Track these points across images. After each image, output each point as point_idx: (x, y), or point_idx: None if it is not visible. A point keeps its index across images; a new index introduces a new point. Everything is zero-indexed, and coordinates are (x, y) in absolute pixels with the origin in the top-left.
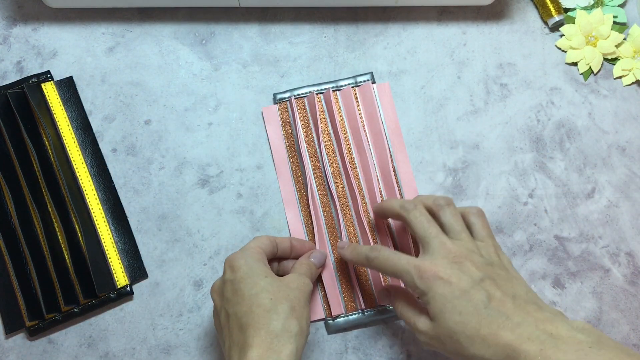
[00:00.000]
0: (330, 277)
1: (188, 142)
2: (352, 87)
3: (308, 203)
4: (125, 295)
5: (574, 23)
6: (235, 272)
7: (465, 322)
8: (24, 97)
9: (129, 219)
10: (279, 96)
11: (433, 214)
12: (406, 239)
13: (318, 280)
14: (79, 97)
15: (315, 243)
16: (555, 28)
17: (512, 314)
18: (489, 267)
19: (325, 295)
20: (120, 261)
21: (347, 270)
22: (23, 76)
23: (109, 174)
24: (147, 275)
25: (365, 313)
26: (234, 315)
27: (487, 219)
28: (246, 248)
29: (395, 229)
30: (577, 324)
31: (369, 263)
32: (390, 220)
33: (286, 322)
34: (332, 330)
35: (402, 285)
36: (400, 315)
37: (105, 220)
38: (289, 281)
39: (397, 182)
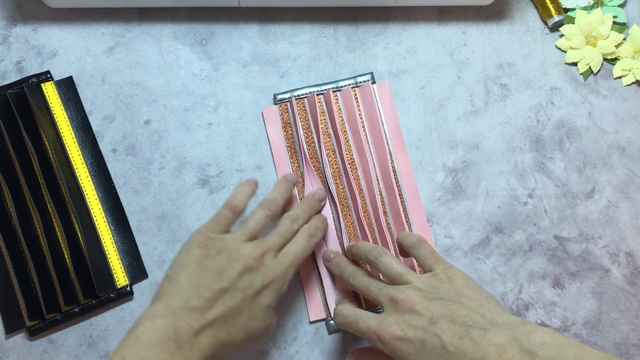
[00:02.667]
0: (329, 278)
1: (188, 142)
2: (352, 87)
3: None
4: (125, 295)
5: (573, 23)
6: (269, 299)
7: None
8: (24, 97)
9: (129, 219)
10: (279, 97)
11: (372, 266)
12: None
13: (318, 281)
14: (79, 97)
15: None
16: (555, 28)
17: (473, 349)
18: (437, 302)
19: (326, 296)
20: (120, 261)
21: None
22: (23, 76)
23: (109, 174)
24: (147, 275)
25: None
26: (226, 313)
27: (427, 244)
28: (293, 271)
29: (395, 229)
30: (537, 338)
31: (351, 288)
32: (390, 220)
33: (220, 354)
34: (332, 330)
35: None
36: None
37: (105, 220)
38: (266, 334)
39: (397, 182)
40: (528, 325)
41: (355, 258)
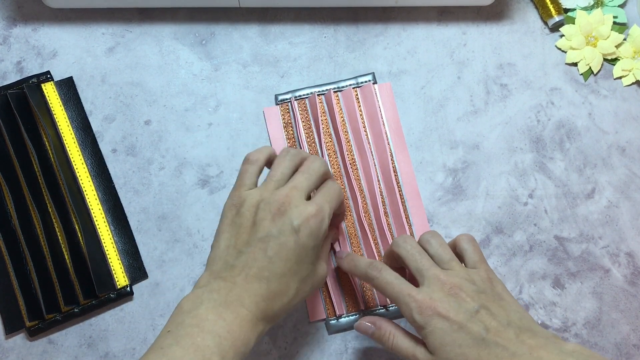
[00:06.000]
0: (331, 277)
1: (188, 142)
2: (354, 87)
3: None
4: (125, 295)
5: (574, 23)
6: (307, 236)
7: (465, 354)
8: (24, 97)
9: (129, 219)
10: (280, 97)
11: (422, 248)
12: None
13: None
14: (79, 97)
15: None
16: (555, 28)
17: (508, 344)
18: (482, 295)
19: (326, 296)
20: (120, 261)
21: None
22: (23, 76)
23: (109, 174)
24: (147, 276)
25: (366, 313)
26: (266, 255)
27: (477, 244)
28: (329, 213)
29: (395, 230)
30: (569, 347)
31: (367, 280)
32: (391, 220)
33: (281, 313)
34: (332, 330)
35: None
36: (393, 347)
37: (105, 220)
38: (318, 276)
39: (397, 182)
40: (559, 338)
41: (351, 271)
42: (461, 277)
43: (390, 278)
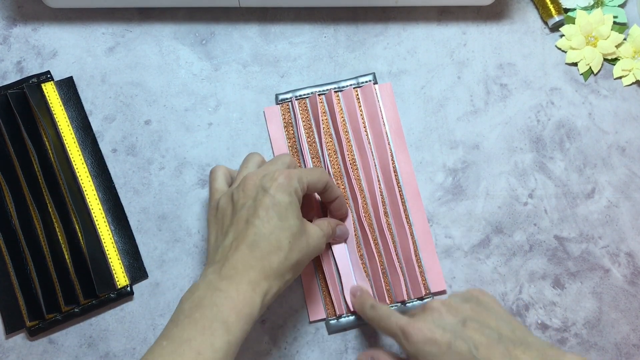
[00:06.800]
0: (331, 277)
1: (188, 142)
2: (354, 87)
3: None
4: (125, 295)
5: (574, 23)
6: (278, 190)
7: None
8: (24, 97)
9: (129, 219)
10: (280, 97)
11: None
12: (406, 240)
13: (319, 281)
14: (79, 97)
15: None
16: (555, 28)
17: None
18: (467, 305)
19: (326, 296)
20: (120, 261)
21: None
22: (23, 76)
23: (109, 174)
24: (147, 276)
25: None
26: (248, 222)
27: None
28: (300, 177)
29: (396, 230)
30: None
31: (368, 319)
32: (391, 220)
33: (284, 270)
34: (332, 330)
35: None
36: None
37: (106, 220)
38: (311, 235)
39: (398, 182)
40: (556, 349)
41: (358, 311)
42: (448, 298)
43: (385, 312)
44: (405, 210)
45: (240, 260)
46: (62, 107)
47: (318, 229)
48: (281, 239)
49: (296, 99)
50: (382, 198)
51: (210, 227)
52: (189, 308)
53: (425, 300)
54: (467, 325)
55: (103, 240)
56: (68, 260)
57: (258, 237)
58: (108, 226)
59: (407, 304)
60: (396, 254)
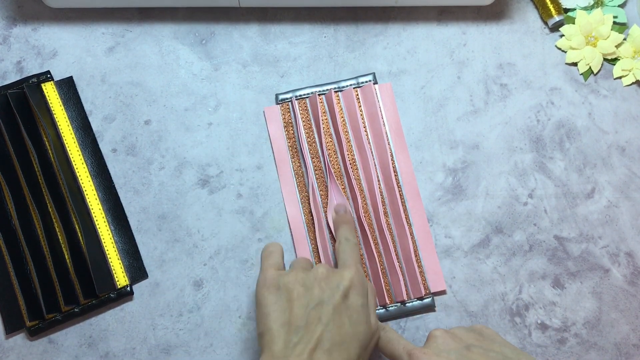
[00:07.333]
0: None
1: (188, 142)
2: (354, 87)
3: (309, 203)
4: (125, 295)
5: (574, 23)
6: (352, 292)
7: None
8: (24, 97)
9: (129, 219)
10: (280, 97)
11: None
12: (406, 240)
13: None
14: (79, 97)
15: (316, 243)
16: (555, 28)
17: None
18: (471, 335)
19: None
20: (120, 261)
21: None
22: (23, 76)
23: (109, 174)
24: (147, 275)
25: None
26: (324, 332)
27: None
28: (359, 272)
29: (395, 230)
30: None
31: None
32: (391, 220)
33: None
34: None
35: None
36: None
37: (105, 220)
38: (375, 337)
39: (397, 182)
40: None
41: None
42: (447, 329)
43: (392, 336)
44: (405, 210)
45: None
46: (62, 107)
47: (376, 321)
48: (350, 349)
49: (296, 99)
50: (382, 198)
51: (269, 310)
52: None
53: (425, 301)
54: (471, 350)
55: (103, 240)
56: (68, 260)
57: (332, 346)
58: (108, 226)
59: (407, 304)
60: (396, 254)
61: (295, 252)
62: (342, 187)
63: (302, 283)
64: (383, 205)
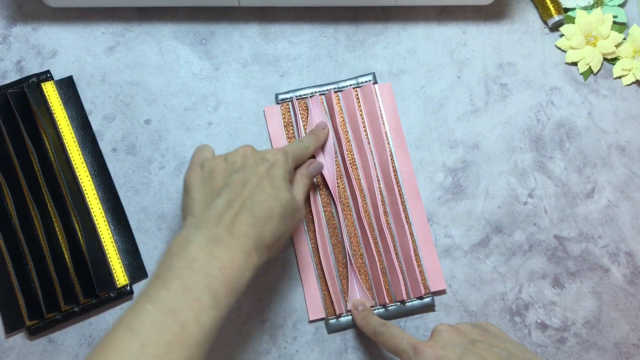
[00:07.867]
0: (331, 276)
1: (188, 141)
2: (354, 87)
3: (309, 202)
4: (125, 294)
5: (573, 23)
6: (276, 163)
7: None
8: (24, 96)
9: (129, 219)
10: (280, 96)
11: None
12: (406, 239)
13: (318, 280)
14: (79, 96)
15: (316, 242)
16: (555, 28)
17: None
18: (475, 330)
19: (326, 295)
20: (120, 261)
21: (348, 270)
22: (23, 76)
23: (109, 173)
24: (147, 275)
25: None
26: (245, 186)
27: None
28: (293, 156)
29: (395, 229)
30: None
31: (375, 337)
32: (390, 220)
33: (271, 242)
34: (332, 329)
35: None
36: None
37: (105, 220)
38: (298, 209)
39: (397, 182)
40: None
41: (362, 328)
42: (451, 324)
43: (394, 331)
44: (405, 209)
45: (237, 224)
46: (62, 106)
47: (302, 200)
48: (273, 207)
49: (296, 99)
50: (381, 198)
51: (192, 184)
52: (179, 267)
53: (425, 300)
54: (476, 345)
55: (103, 240)
56: (68, 260)
57: (254, 204)
58: (108, 226)
59: (407, 304)
60: (396, 254)
61: (295, 251)
62: (342, 187)
63: (224, 159)
64: (383, 205)
